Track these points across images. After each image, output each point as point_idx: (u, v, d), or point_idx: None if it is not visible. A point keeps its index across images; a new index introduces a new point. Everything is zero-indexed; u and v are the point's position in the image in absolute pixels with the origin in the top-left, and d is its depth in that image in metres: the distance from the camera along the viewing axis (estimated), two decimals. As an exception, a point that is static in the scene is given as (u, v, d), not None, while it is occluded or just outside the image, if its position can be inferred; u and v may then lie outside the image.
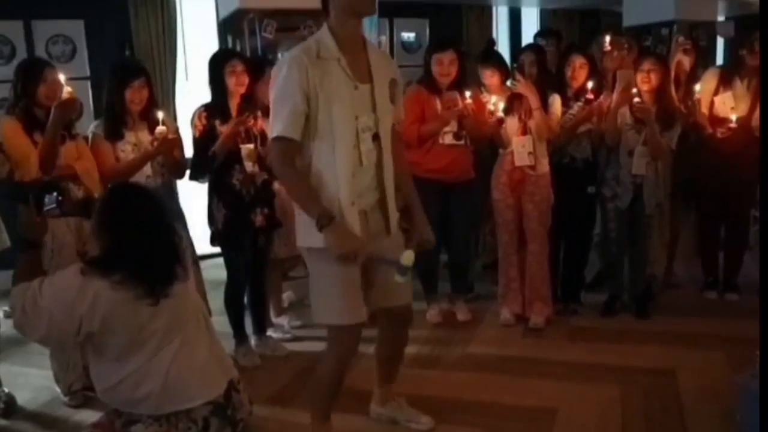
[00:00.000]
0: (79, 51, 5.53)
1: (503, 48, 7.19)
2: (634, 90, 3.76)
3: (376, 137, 2.34)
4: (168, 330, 1.99)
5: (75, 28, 5.51)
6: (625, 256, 4.13)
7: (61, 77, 2.93)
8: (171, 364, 1.99)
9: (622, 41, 4.35)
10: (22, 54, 5.34)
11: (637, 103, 3.74)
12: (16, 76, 3.11)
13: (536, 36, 5.01)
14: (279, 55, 4.56)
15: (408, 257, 2.20)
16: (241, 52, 4.59)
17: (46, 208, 2.14)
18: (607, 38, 4.21)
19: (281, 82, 2.24)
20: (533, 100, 3.76)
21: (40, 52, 5.39)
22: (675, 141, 3.90)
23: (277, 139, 2.25)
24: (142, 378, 1.99)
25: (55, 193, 2.15)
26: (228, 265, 3.59)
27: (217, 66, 3.44)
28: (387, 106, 2.39)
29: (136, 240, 1.90)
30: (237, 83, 3.40)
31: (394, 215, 2.47)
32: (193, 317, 2.09)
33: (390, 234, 2.45)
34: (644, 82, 3.82)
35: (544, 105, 3.81)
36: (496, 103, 3.85)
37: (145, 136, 3.33)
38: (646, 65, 3.85)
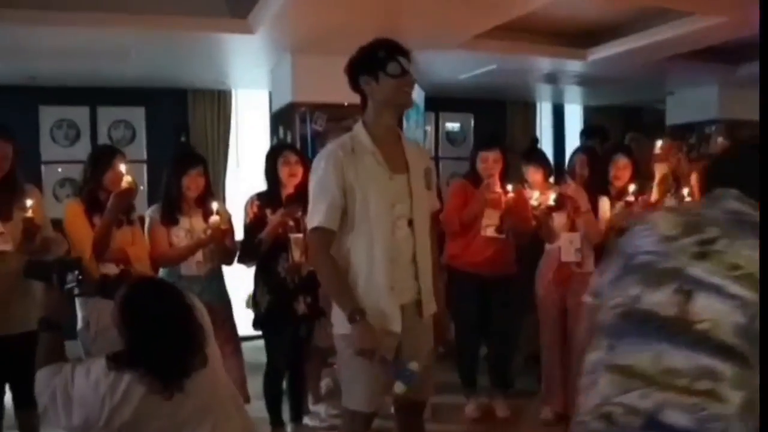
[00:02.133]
0: (138, 136, 5.83)
1: (547, 144, 7.29)
2: (686, 190, 3.74)
3: (410, 223, 2.37)
4: (201, 414, 2.00)
5: (136, 115, 5.83)
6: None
7: (122, 167, 3.05)
8: None
9: (676, 144, 4.32)
10: (86, 137, 5.66)
11: (688, 202, 3.72)
12: (87, 161, 3.29)
13: (582, 133, 5.08)
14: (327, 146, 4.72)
15: (414, 366, 2.23)
16: (292, 142, 4.78)
17: (67, 286, 2.13)
18: (659, 142, 4.18)
19: (318, 176, 2.33)
20: (583, 203, 3.77)
21: (103, 135, 5.70)
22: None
23: (315, 229, 2.32)
24: None
25: (76, 272, 2.14)
26: (269, 350, 3.62)
27: (272, 157, 3.60)
28: (422, 193, 2.44)
29: (151, 338, 1.91)
30: (289, 174, 3.53)
31: (429, 301, 2.46)
32: (223, 400, 2.10)
33: (423, 317, 2.45)
34: (692, 183, 3.81)
35: (594, 207, 3.81)
36: (538, 198, 3.89)
37: (198, 223, 3.45)
38: (704, 163, 3.85)
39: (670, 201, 3.88)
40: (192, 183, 3.44)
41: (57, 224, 3.22)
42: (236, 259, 3.59)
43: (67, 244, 3.13)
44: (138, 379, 1.88)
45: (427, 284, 2.43)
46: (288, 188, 3.55)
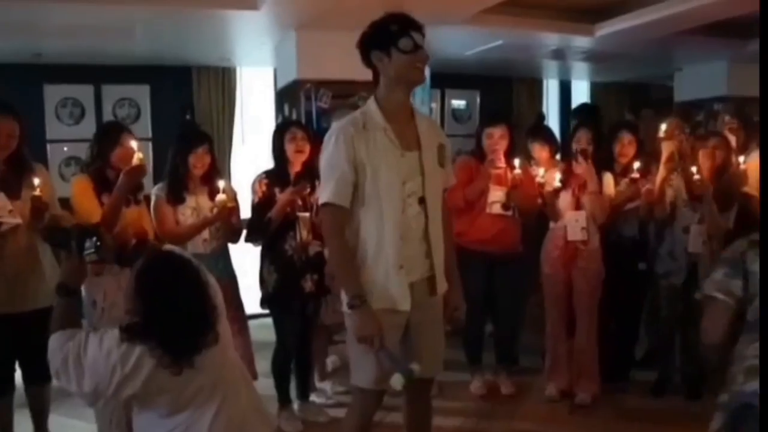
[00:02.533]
0: (143, 114, 5.83)
1: (553, 121, 7.26)
2: (694, 168, 3.72)
3: (422, 201, 2.36)
4: (210, 389, 2.01)
5: (141, 93, 5.82)
6: (677, 336, 4.03)
7: (133, 143, 3.03)
8: (213, 422, 2.01)
9: (680, 123, 4.27)
10: (90, 115, 5.65)
11: (697, 180, 3.71)
12: (94, 138, 3.26)
13: (574, 112, 5.06)
14: (333, 122, 4.70)
15: (416, 368, 2.24)
16: (297, 119, 4.76)
17: (85, 252, 2.16)
18: (663, 126, 4.15)
19: (330, 152, 2.31)
20: (592, 183, 3.76)
21: (107, 113, 5.70)
22: (732, 221, 3.83)
23: (326, 205, 2.32)
24: None
25: (94, 238, 2.16)
26: (277, 329, 3.63)
27: (279, 134, 3.59)
28: (435, 170, 2.42)
29: (165, 312, 1.91)
30: (296, 150, 3.52)
31: (441, 278, 2.47)
32: (233, 377, 2.12)
33: (435, 294, 2.46)
34: (707, 158, 3.79)
35: (598, 183, 3.80)
36: (544, 175, 3.87)
37: (204, 201, 3.45)
38: (712, 142, 3.83)
39: (676, 179, 3.86)
40: (198, 161, 3.43)
41: (63, 203, 3.22)
42: (244, 237, 3.59)
43: (74, 221, 3.14)
44: (149, 352, 1.89)
45: (439, 261, 2.43)
46: (295, 165, 3.54)
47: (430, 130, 2.47)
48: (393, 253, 2.30)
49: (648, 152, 4.11)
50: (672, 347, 4.07)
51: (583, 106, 5.94)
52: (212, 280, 2.10)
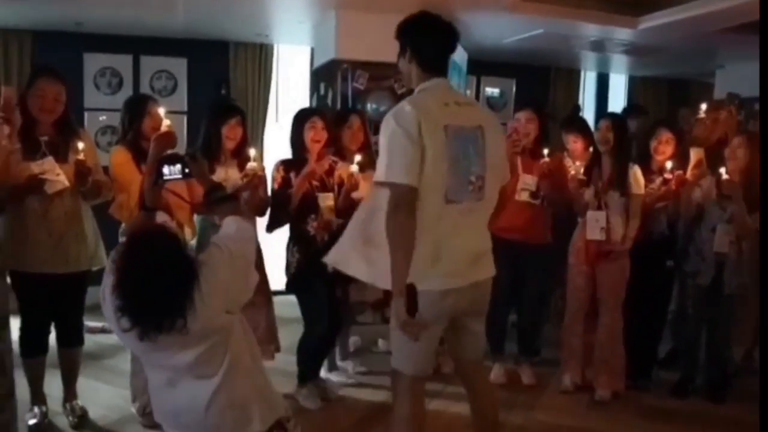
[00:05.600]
0: (179, 87, 5.87)
1: (589, 113, 7.17)
2: (722, 169, 3.68)
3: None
4: (204, 366, 2.04)
5: (178, 65, 5.85)
6: (702, 336, 3.99)
7: (161, 111, 3.06)
8: (212, 398, 2.04)
9: (723, 101, 4.21)
10: (128, 86, 5.71)
11: (726, 179, 3.66)
12: (123, 111, 3.35)
13: (623, 111, 5.03)
14: (368, 104, 4.73)
15: None
16: (333, 100, 4.77)
17: (166, 177, 2.41)
18: (703, 106, 4.09)
19: (394, 132, 2.25)
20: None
21: (145, 85, 5.75)
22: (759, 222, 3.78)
23: (395, 186, 2.24)
24: (183, 411, 2.09)
25: (178, 165, 2.40)
26: (303, 311, 3.65)
27: (298, 122, 3.60)
28: (497, 162, 2.44)
29: (129, 282, 1.93)
30: (314, 139, 3.53)
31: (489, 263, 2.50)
32: (239, 358, 2.11)
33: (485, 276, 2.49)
34: (731, 159, 3.75)
35: (623, 174, 3.77)
36: (578, 168, 3.85)
37: (234, 173, 3.48)
38: (735, 142, 3.78)
39: (706, 181, 3.81)
40: (230, 132, 3.47)
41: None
42: (265, 227, 3.58)
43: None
44: (119, 310, 1.95)
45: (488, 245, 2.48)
46: (314, 154, 3.53)
47: (490, 116, 2.56)
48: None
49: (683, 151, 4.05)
50: (697, 347, 4.04)
51: (631, 106, 5.90)
52: (211, 259, 2.06)
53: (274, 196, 3.56)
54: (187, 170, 2.42)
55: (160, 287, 1.91)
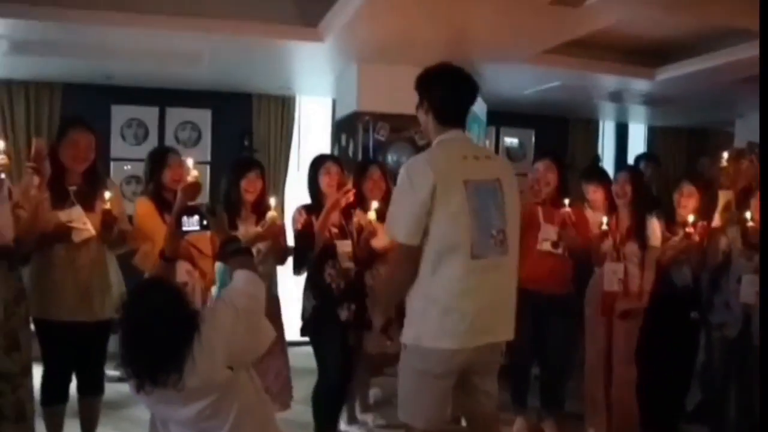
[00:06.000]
0: (203, 137, 5.99)
1: (608, 164, 7.17)
2: (748, 214, 3.64)
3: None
4: (210, 417, 2.01)
5: (202, 117, 5.99)
6: (731, 390, 3.90)
7: (189, 162, 3.09)
8: None
9: (744, 150, 4.19)
10: (153, 136, 5.84)
11: (751, 227, 3.62)
12: (146, 162, 3.48)
13: (636, 159, 5.04)
14: (389, 156, 4.78)
15: None
16: (354, 151, 4.83)
17: (184, 228, 2.44)
18: (725, 154, 4.08)
19: (405, 187, 2.29)
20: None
21: (170, 136, 5.88)
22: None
23: (401, 244, 2.29)
24: None
25: (196, 216, 2.43)
26: (317, 358, 3.62)
27: (314, 168, 3.65)
28: (515, 215, 2.44)
29: (126, 334, 1.94)
30: (329, 184, 3.56)
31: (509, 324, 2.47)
32: (244, 413, 2.07)
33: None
34: (756, 209, 3.71)
35: (641, 226, 3.78)
36: (594, 217, 3.87)
37: (252, 229, 3.48)
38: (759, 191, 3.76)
39: (732, 227, 3.78)
40: (250, 185, 3.51)
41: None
42: (292, 269, 3.61)
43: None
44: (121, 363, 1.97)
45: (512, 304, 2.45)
46: (329, 199, 3.54)
47: (507, 168, 2.58)
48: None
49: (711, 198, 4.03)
50: (726, 400, 3.93)
51: (643, 154, 5.90)
52: (215, 319, 2.03)
53: (298, 237, 3.58)
54: (204, 222, 2.44)
55: (154, 340, 1.89)
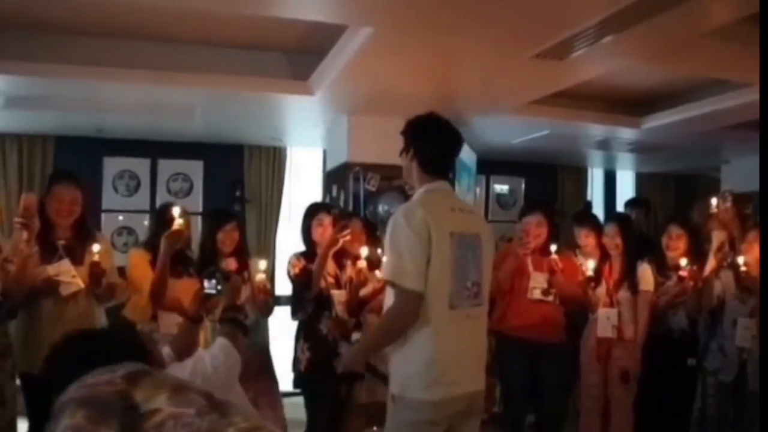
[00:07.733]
0: (195, 188, 6.01)
1: (598, 210, 7.22)
2: (741, 259, 3.66)
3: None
4: None
5: (194, 168, 6.02)
6: (728, 437, 3.85)
7: (175, 210, 3.15)
8: None
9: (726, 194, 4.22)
10: (145, 187, 5.86)
11: (744, 271, 3.63)
12: (151, 217, 3.47)
13: (626, 204, 5.08)
14: (379, 206, 4.81)
15: None
16: (345, 201, 4.86)
17: (206, 291, 2.50)
18: (714, 200, 4.12)
19: (404, 234, 2.26)
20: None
21: (162, 187, 5.90)
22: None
23: (405, 291, 2.24)
24: None
25: (213, 280, 2.51)
26: (308, 410, 3.59)
27: (307, 218, 3.69)
28: (489, 270, 2.46)
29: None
30: (321, 234, 3.60)
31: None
32: None
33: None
34: (748, 252, 3.73)
35: (632, 273, 3.81)
36: (583, 263, 3.88)
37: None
38: (752, 236, 3.78)
39: (725, 271, 3.79)
40: (227, 237, 3.52)
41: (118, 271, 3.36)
42: (290, 314, 3.61)
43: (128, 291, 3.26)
44: None
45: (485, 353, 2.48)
46: (321, 249, 3.57)
47: (484, 224, 2.59)
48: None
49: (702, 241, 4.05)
50: (723, 449, 3.89)
51: (634, 200, 5.95)
52: (181, 369, 1.99)
53: (295, 282, 3.58)
54: (219, 287, 2.53)
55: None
